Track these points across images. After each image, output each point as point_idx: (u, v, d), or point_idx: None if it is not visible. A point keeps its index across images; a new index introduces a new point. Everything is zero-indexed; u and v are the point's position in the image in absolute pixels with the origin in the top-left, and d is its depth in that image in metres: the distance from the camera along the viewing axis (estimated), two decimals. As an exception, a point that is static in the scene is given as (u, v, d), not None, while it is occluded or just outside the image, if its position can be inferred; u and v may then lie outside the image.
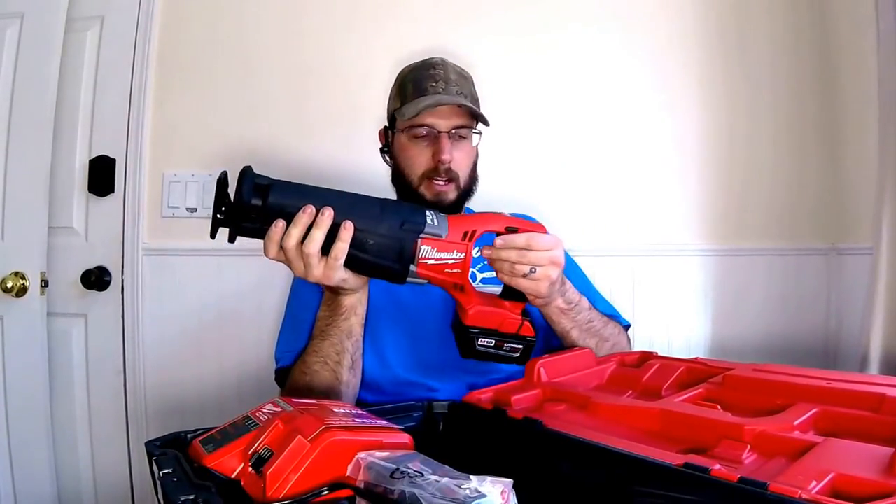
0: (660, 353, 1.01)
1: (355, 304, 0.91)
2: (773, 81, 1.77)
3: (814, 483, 0.49)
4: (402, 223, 0.80)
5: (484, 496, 0.46)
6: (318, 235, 0.76)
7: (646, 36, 1.73)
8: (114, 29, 1.67)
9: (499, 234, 0.85)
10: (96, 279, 1.63)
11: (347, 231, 0.77)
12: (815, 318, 1.76)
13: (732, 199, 1.76)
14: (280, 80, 1.69)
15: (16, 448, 1.54)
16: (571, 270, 1.23)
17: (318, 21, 1.70)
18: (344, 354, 0.92)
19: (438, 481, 0.48)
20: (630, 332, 1.27)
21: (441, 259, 0.82)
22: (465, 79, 1.14)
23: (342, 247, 0.77)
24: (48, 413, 1.57)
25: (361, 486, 0.53)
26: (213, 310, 1.66)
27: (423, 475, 0.50)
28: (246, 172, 0.77)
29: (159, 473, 0.58)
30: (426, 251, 0.81)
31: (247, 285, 1.65)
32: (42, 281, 1.54)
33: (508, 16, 1.71)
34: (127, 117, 1.66)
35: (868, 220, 1.52)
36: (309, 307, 1.02)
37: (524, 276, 0.84)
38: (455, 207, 1.12)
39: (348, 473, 0.55)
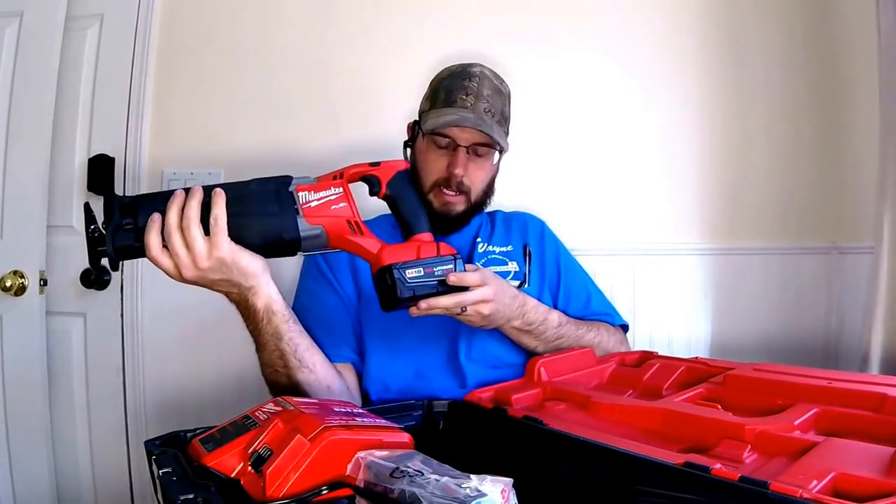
0: (660, 353, 1.01)
1: (268, 303, 0.84)
2: (773, 80, 1.76)
3: (815, 482, 0.49)
4: (269, 182, 0.82)
5: (484, 495, 0.46)
6: (194, 205, 0.75)
7: (646, 35, 1.73)
8: (113, 27, 1.66)
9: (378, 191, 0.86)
10: (95, 278, 1.62)
11: (219, 196, 0.76)
12: (816, 317, 1.76)
13: (733, 198, 1.76)
14: (279, 79, 1.68)
15: (15, 447, 1.54)
16: (569, 269, 1.23)
17: (317, 18, 1.69)
18: (286, 357, 0.88)
19: (438, 480, 0.48)
20: (631, 331, 1.27)
21: (323, 197, 0.82)
22: (499, 94, 1.12)
23: (218, 212, 0.75)
24: (47, 412, 1.57)
25: (361, 485, 0.53)
26: (212, 309, 1.65)
27: (423, 474, 0.49)
28: (109, 195, 0.77)
29: (159, 472, 0.58)
30: (304, 196, 0.81)
31: (246, 284, 1.64)
32: (41, 280, 1.54)
33: (510, 17, 1.70)
34: (126, 116, 1.65)
35: (869, 219, 1.52)
36: (304, 310, 1.02)
37: (457, 314, 0.88)
38: (462, 219, 1.13)
39: (348, 472, 0.55)
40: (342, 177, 0.84)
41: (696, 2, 1.75)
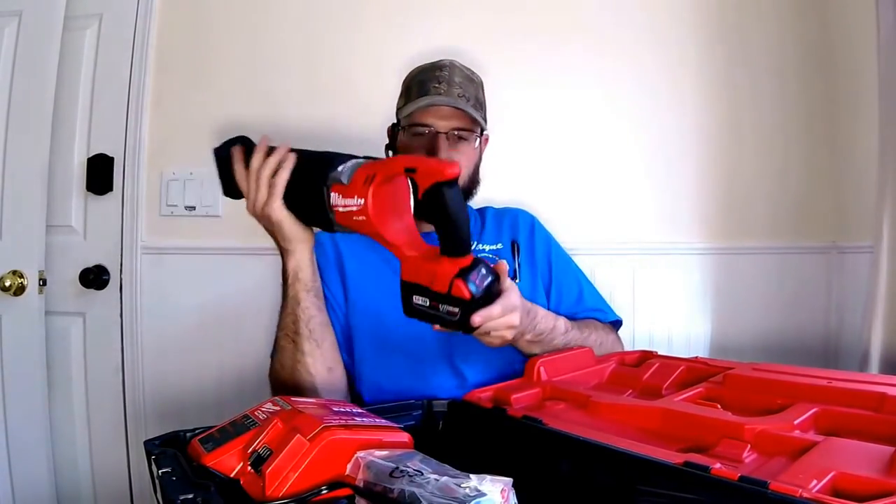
0: (660, 352, 1.01)
1: (297, 268, 0.93)
2: (773, 79, 1.76)
3: (814, 482, 0.49)
4: (322, 167, 0.84)
5: (484, 495, 0.46)
6: (272, 161, 0.88)
7: (646, 34, 1.73)
8: (112, 27, 1.66)
9: (410, 177, 0.78)
10: (95, 278, 1.62)
11: (289, 162, 0.88)
12: (816, 317, 1.76)
13: (733, 197, 1.76)
14: (279, 78, 1.68)
15: (14, 447, 1.54)
16: (560, 264, 1.23)
17: (318, 18, 1.69)
18: (299, 324, 0.93)
19: (438, 480, 0.48)
20: (631, 330, 1.27)
21: (346, 206, 0.81)
22: (471, 82, 1.15)
23: (278, 179, 0.87)
24: (46, 412, 1.57)
25: (361, 484, 0.53)
26: (212, 308, 1.66)
27: (422, 474, 0.49)
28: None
29: (158, 472, 0.58)
30: (335, 198, 0.82)
31: (246, 283, 1.64)
32: (40, 279, 1.54)
33: (509, 16, 1.70)
34: (125, 116, 1.65)
35: (869, 218, 1.52)
36: None
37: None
38: None
39: (348, 472, 0.55)
40: (371, 182, 0.79)
41: (696, 3, 1.75)
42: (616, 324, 1.21)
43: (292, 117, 1.65)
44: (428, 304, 0.78)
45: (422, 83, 1.12)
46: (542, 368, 0.90)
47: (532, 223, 1.27)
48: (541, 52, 1.71)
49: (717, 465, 0.52)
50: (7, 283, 1.50)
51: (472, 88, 1.14)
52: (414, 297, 0.79)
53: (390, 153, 1.17)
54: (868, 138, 1.58)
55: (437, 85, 1.10)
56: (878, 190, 1.47)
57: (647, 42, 1.73)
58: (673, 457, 0.56)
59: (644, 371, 0.90)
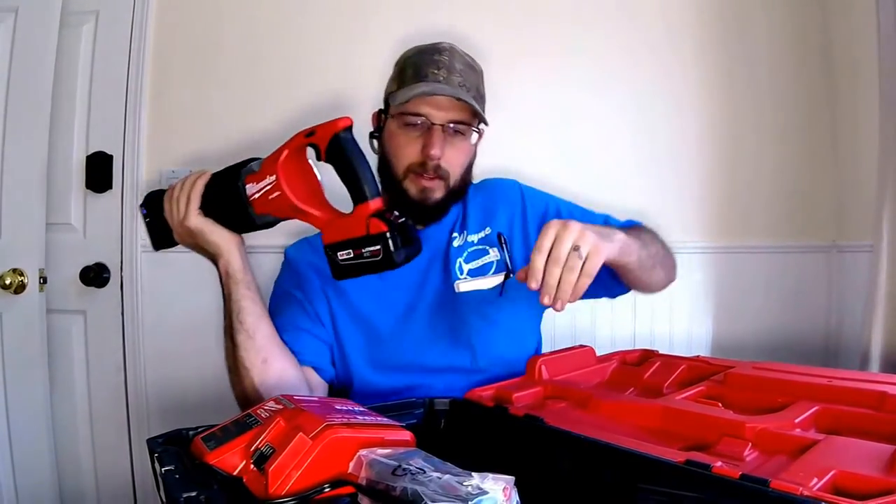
0: (661, 351, 1.01)
1: (226, 266, 0.93)
2: (773, 79, 1.76)
3: (815, 480, 0.49)
4: (233, 172, 0.90)
5: (486, 493, 0.46)
6: (188, 182, 0.92)
7: (648, 33, 1.73)
8: (109, 23, 1.65)
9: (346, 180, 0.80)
10: (95, 276, 1.62)
11: (202, 178, 0.92)
12: (816, 316, 1.76)
13: (733, 196, 1.76)
14: (278, 75, 1.68)
15: (17, 445, 1.54)
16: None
17: (318, 15, 1.69)
18: (232, 318, 0.92)
19: (440, 478, 0.48)
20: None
21: (261, 189, 0.85)
22: (472, 70, 1.04)
23: (192, 194, 0.91)
24: (49, 410, 1.57)
25: (363, 483, 0.53)
26: (213, 306, 1.65)
27: (424, 472, 0.50)
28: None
29: (161, 470, 0.58)
30: (250, 188, 0.87)
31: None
32: (41, 278, 1.54)
33: (511, 5, 1.70)
34: (124, 113, 1.64)
35: (869, 217, 1.52)
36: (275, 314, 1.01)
37: (581, 270, 0.77)
38: (441, 208, 1.04)
39: (350, 470, 0.55)
40: (280, 155, 0.84)
41: (703, 2, 1.74)
42: (633, 227, 1.07)
43: (293, 113, 1.65)
44: (352, 254, 0.80)
45: (418, 67, 0.99)
46: (543, 367, 0.91)
47: (519, 194, 1.13)
48: (540, 46, 1.70)
49: (719, 464, 0.52)
50: (7, 281, 1.50)
51: (474, 78, 1.03)
52: (338, 254, 0.81)
53: (375, 143, 1.06)
54: (868, 137, 1.58)
55: (435, 71, 0.98)
56: (878, 189, 1.47)
57: (648, 41, 1.73)
58: (674, 455, 0.56)
59: (645, 370, 0.90)
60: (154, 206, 0.98)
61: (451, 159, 1.00)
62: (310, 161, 0.86)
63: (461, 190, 1.06)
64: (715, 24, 1.75)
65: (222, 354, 1.05)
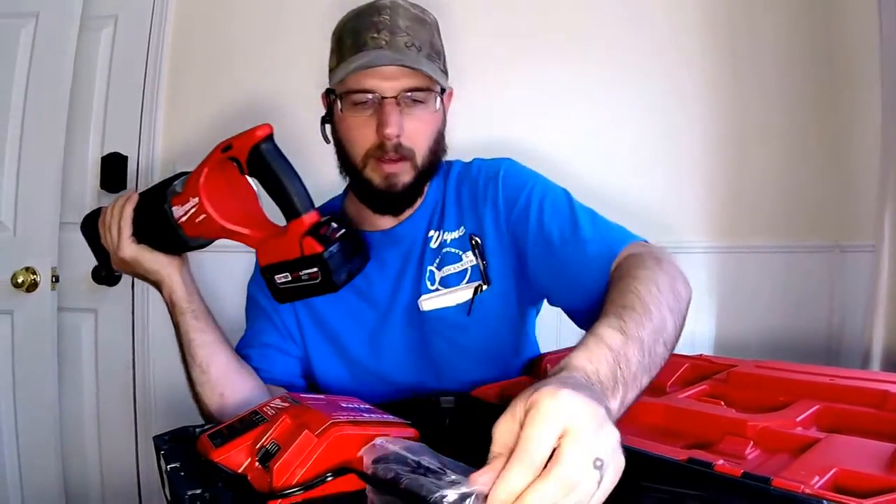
0: (664, 350, 1.01)
1: (170, 293, 0.89)
2: (775, 78, 1.75)
3: (817, 478, 0.49)
4: (159, 191, 0.85)
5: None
6: (119, 204, 0.88)
7: (650, 32, 1.72)
8: (127, 28, 1.68)
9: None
10: (107, 275, 1.63)
11: (129, 204, 0.87)
12: (818, 315, 1.75)
13: (736, 196, 1.75)
14: (292, 78, 1.68)
15: (24, 441, 1.56)
16: (534, 209, 0.90)
17: (335, 19, 1.69)
18: (184, 350, 0.89)
19: (445, 473, 0.49)
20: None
21: (187, 212, 0.80)
22: (422, 24, 0.87)
23: (122, 224, 0.86)
24: (57, 407, 1.58)
25: (370, 472, 0.53)
26: (222, 306, 1.66)
27: (431, 467, 0.50)
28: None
29: (167, 467, 0.59)
30: (177, 211, 0.82)
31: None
32: (53, 276, 1.55)
33: (509, 9, 1.70)
34: (139, 115, 1.67)
35: (870, 218, 1.52)
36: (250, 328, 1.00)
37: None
38: (412, 192, 0.90)
39: (361, 454, 0.55)
40: (200, 174, 0.78)
41: (700, 1, 1.74)
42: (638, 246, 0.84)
43: (305, 115, 1.65)
44: (290, 277, 0.74)
45: (357, 33, 0.84)
46: (548, 366, 0.91)
47: (495, 184, 0.93)
48: (540, 44, 1.70)
49: (721, 462, 0.53)
50: (20, 280, 1.51)
51: (425, 32, 0.87)
52: (276, 277, 0.76)
53: (328, 128, 0.92)
54: (870, 138, 1.57)
55: (375, 35, 0.83)
56: (880, 189, 1.47)
57: (651, 41, 1.73)
58: (676, 453, 0.56)
59: (648, 368, 0.90)
60: (91, 231, 0.93)
61: (412, 134, 0.85)
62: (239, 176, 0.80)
63: (434, 166, 0.91)
64: (719, 24, 1.74)
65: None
